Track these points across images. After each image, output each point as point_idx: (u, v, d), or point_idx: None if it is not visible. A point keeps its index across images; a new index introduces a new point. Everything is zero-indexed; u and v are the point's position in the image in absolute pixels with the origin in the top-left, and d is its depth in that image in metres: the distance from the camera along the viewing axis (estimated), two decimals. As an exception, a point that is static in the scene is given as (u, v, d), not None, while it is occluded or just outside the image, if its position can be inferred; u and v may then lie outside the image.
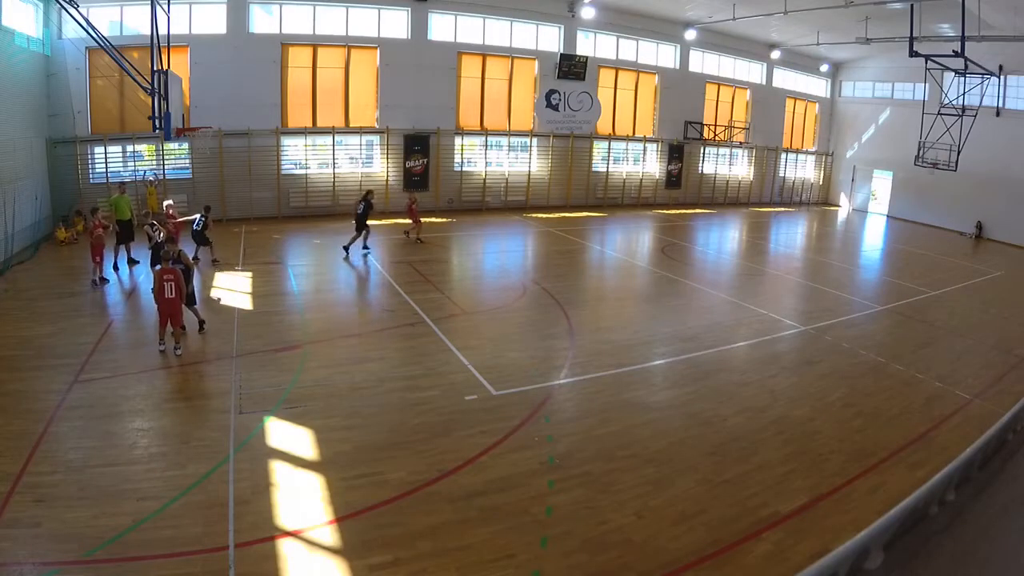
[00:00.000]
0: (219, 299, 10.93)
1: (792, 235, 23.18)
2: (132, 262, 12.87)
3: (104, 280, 11.51)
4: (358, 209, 14.54)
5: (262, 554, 4.76)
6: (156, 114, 12.08)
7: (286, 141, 19.16)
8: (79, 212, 16.01)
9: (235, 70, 17.72)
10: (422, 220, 16.67)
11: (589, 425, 7.13)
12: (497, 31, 21.93)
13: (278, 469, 5.88)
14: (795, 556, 5.00)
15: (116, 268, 12.57)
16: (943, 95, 20.33)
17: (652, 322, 11.34)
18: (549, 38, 22.95)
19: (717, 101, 27.58)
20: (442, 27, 20.99)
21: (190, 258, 9.81)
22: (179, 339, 8.56)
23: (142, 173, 17.23)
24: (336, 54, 19.50)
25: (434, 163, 21.29)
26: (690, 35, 25.17)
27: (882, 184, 29.35)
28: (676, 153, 26.67)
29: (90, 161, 16.59)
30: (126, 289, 11.73)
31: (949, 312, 13.11)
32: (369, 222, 14.69)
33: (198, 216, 13.26)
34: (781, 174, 30.72)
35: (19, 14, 13.84)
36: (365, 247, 14.83)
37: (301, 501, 5.43)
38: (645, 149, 26.17)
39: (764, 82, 28.80)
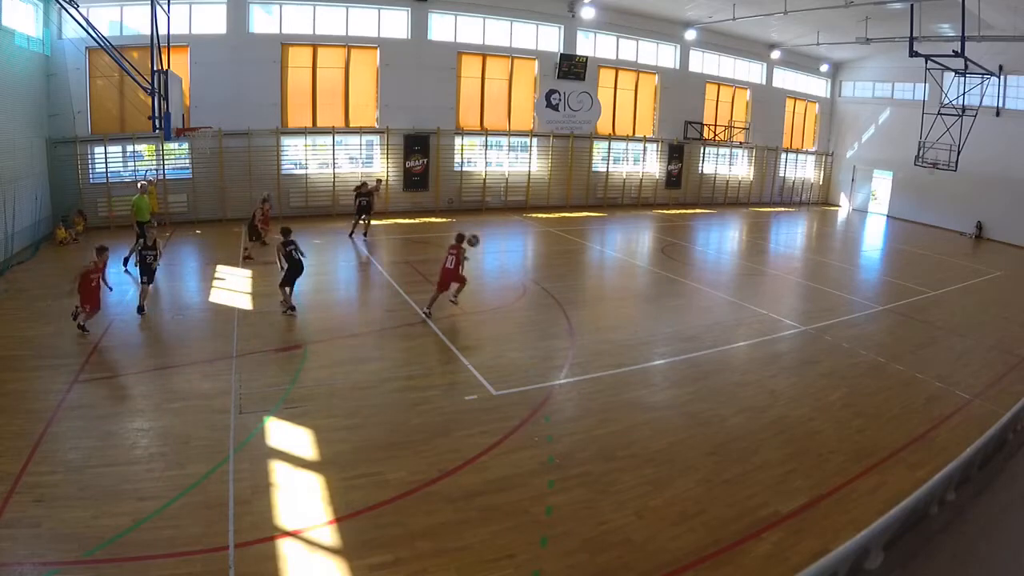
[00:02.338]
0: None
1: (792, 235, 23.18)
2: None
3: (83, 329, 8.96)
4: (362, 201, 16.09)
5: (262, 554, 4.76)
6: (156, 114, 12.08)
7: (286, 141, 19.16)
8: (80, 212, 16.05)
9: (235, 70, 17.72)
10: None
11: (589, 425, 7.12)
12: (497, 31, 21.92)
13: (278, 469, 5.88)
14: (795, 556, 5.00)
15: (125, 267, 12.63)
16: (943, 95, 20.33)
17: (652, 322, 11.34)
18: (549, 38, 22.95)
19: (717, 101, 27.57)
20: (442, 27, 20.99)
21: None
22: (432, 304, 10.44)
23: (145, 172, 17.25)
24: (336, 54, 19.50)
25: (434, 163, 21.28)
26: (690, 35, 25.18)
27: (882, 184, 29.34)
28: (676, 153, 26.66)
29: (90, 161, 16.59)
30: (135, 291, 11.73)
31: (949, 312, 13.10)
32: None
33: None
34: (781, 174, 30.72)
35: (19, 14, 13.83)
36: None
37: (301, 501, 5.43)
38: (645, 149, 26.17)
39: (764, 82, 28.80)
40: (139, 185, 13.95)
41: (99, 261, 9.19)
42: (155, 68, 11.99)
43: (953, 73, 19.48)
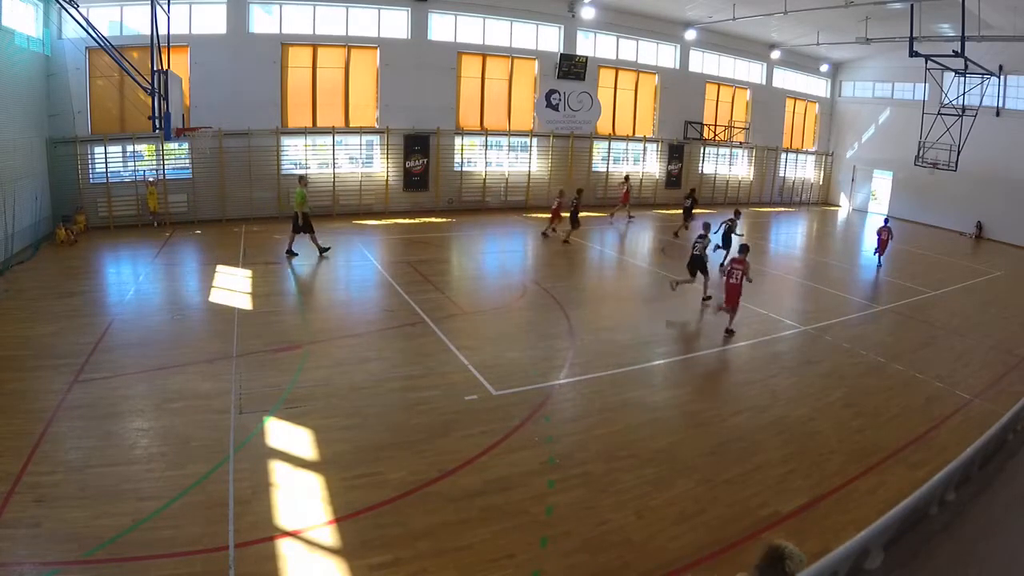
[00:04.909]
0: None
1: (792, 235, 23.17)
2: (323, 250, 14.03)
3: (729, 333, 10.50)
4: (686, 203, 19.42)
5: (262, 554, 4.76)
6: (156, 114, 12.07)
7: (286, 141, 19.16)
8: (81, 211, 16.05)
9: (235, 70, 17.71)
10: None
11: (589, 425, 7.13)
12: (497, 31, 21.92)
13: (278, 469, 5.88)
14: (795, 556, 4.99)
15: (293, 254, 13.86)
16: (943, 95, 20.33)
17: (652, 322, 11.34)
18: (549, 38, 22.95)
19: (717, 101, 27.57)
20: (442, 27, 20.99)
21: None
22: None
23: (142, 172, 17.29)
24: (336, 54, 19.50)
25: (434, 163, 21.28)
26: (690, 35, 25.18)
27: (882, 184, 29.35)
28: (676, 153, 26.66)
29: (90, 161, 16.58)
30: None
31: (949, 312, 13.11)
32: (368, 222, 14.73)
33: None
34: (781, 174, 30.71)
35: (19, 14, 13.83)
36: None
37: (301, 501, 5.43)
38: (645, 149, 26.17)
39: (764, 82, 28.80)
40: (298, 178, 14.39)
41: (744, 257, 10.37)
42: (155, 68, 11.98)
43: (953, 73, 19.48)
